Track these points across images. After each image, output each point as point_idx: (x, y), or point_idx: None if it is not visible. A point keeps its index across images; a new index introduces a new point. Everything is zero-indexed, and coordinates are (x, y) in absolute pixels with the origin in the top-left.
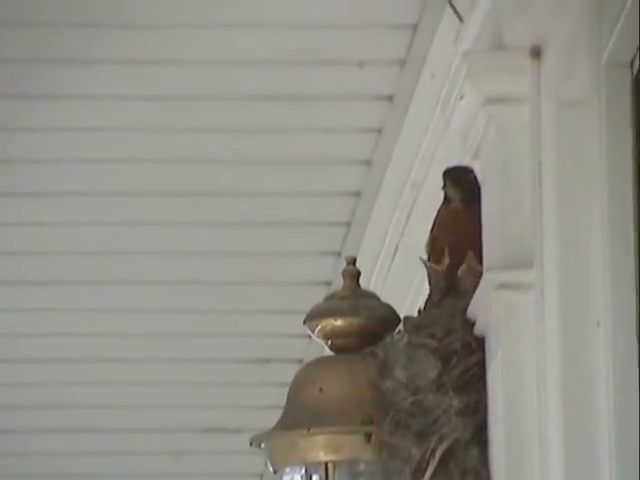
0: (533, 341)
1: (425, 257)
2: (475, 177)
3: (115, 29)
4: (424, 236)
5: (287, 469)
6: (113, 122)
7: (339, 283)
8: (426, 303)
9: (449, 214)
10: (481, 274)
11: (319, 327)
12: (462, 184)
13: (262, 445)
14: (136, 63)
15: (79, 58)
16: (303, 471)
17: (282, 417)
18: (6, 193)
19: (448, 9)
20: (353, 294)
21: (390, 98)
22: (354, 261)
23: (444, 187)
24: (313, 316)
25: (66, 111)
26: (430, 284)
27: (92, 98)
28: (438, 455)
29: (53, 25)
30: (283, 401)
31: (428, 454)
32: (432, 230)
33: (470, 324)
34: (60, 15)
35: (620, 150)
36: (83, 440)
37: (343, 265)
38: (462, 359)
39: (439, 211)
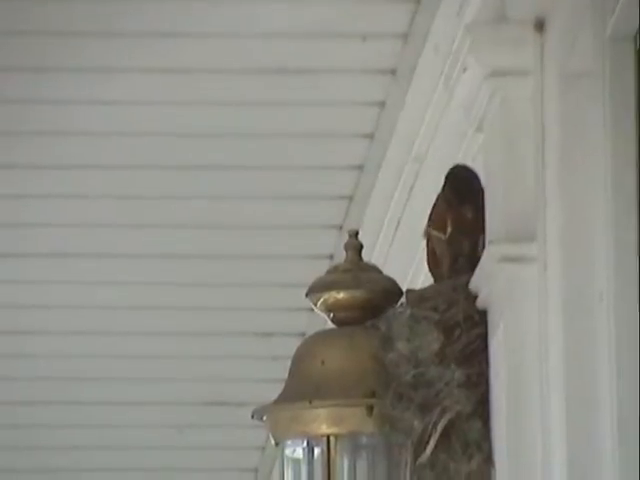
0: (535, 314)
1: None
2: (470, 177)
3: (129, 3)
4: (427, 209)
5: (289, 442)
6: (121, 95)
7: (341, 256)
8: (434, 272)
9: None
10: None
11: (321, 300)
12: (453, 180)
13: (264, 418)
14: (152, 36)
15: (96, 31)
16: (305, 444)
17: (284, 390)
18: (13, 165)
19: None
20: (355, 267)
21: (393, 71)
22: (356, 234)
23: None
24: (315, 289)
25: (79, 84)
26: (432, 254)
27: (106, 71)
28: (440, 428)
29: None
30: (285, 374)
31: (430, 427)
32: (434, 206)
33: (472, 297)
34: None
35: (623, 123)
36: (85, 413)
37: (345, 238)
38: (464, 332)
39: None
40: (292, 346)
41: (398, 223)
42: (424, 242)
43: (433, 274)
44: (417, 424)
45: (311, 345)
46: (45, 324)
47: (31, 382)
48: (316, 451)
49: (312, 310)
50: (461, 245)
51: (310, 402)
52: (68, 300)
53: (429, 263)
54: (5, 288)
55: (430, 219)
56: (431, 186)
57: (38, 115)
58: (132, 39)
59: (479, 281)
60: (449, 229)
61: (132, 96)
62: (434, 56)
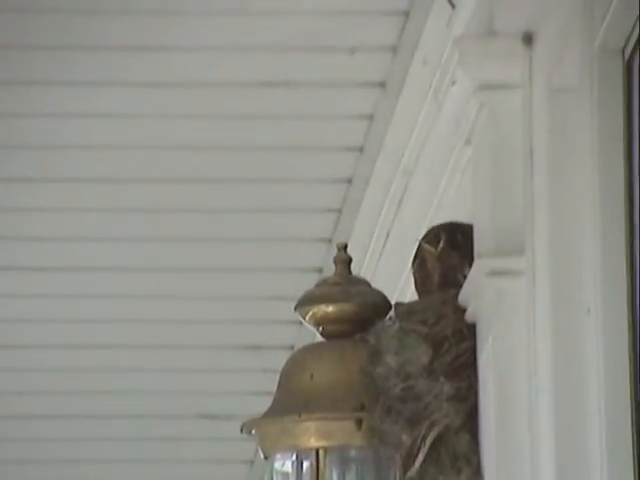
0: (524, 328)
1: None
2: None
3: (121, 17)
4: (415, 223)
5: (278, 455)
6: (115, 108)
7: (330, 270)
8: (423, 285)
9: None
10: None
11: (310, 313)
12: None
13: (253, 431)
14: (139, 50)
15: (88, 45)
16: (294, 457)
17: (273, 403)
18: (6, 178)
19: None
20: (344, 280)
21: (382, 84)
22: (345, 247)
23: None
24: (304, 302)
25: (72, 97)
26: (420, 267)
27: (99, 84)
28: (429, 441)
29: (60, 12)
30: (274, 387)
31: (419, 440)
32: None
33: (461, 310)
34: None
35: (612, 137)
36: (76, 426)
37: (334, 252)
38: (453, 345)
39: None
40: (281, 359)
41: (387, 236)
42: (413, 254)
43: (421, 287)
44: (406, 437)
45: (300, 358)
46: (34, 337)
47: (20, 396)
48: (305, 464)
49: (301, 323)
50: (452, 259)
51: (299, 415)
52: (57, 313)
53: (419, 276)
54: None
55: (424, 235)
56: (420, 199)
57: (26, 128)
58: (121, 52)
59: (468, 294)
60: (441, 244)
61: (123, 109)
62: (423, 69)
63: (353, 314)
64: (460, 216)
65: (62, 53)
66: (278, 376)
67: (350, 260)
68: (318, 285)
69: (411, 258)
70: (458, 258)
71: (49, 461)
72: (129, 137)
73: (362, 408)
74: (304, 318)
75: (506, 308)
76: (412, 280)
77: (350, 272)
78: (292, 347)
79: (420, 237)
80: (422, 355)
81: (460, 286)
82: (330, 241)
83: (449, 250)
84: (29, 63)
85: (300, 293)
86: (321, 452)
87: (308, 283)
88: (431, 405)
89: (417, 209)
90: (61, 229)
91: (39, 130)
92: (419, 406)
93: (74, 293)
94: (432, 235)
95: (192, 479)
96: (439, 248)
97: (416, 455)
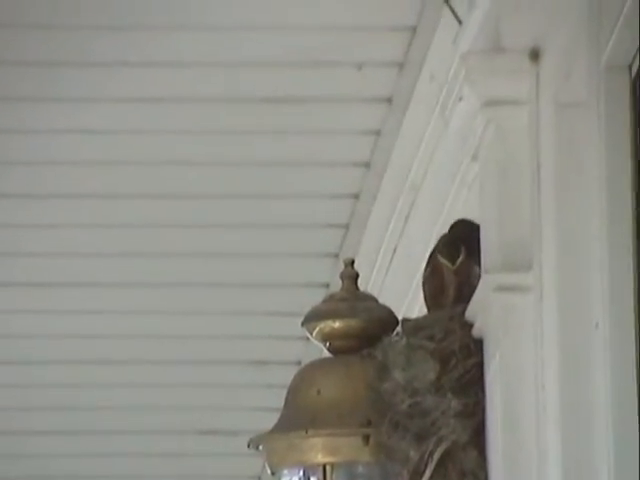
0: (531, 343)
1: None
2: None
3: (111, 32)
4: (422, 238)
5: (285, 471)
6: (110, 124)
7: (337, 285)
8: (434, 299)
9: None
10: None
11: (317, 329)
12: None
13: (260, 447)
14: (133, 65)
15: (76, 61)
16: (301, 473)
17: (280, 419)
18: (1, 195)
19: (446, 11)
20: (351, 296)
21: (389, 100)
22: (352, 263)
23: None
24: (311, 318)
25: (61, 113)
26: (432, 279)
27: (90, 101)
28: (436, 457)
29: (46, 28)
30: (281, 403)
31: (426, 456)
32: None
33: (469, 326)
34: (57, 18)
35: (619, 152)
36: (79, 442)
37: (341, 267)
38: (460, 361)
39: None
40: (287, 375)
41: (394, 252)
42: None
43: (431, 300)
44: (413, 453)
45: (307, 374)
46: (36, 353)
47: (24, 412)
48: None
49: (308, 339)
50: (470, 274)
51: (306, 431)
52: (59, 329)
53: (430, 288)
54: None
55: (436, 248)
56: (427, 214)
57: (16, 144)
58: (111, 68)
59: (475, 310)
60: (461, 258)
61: (113, 125)
62: (430, 85)
63: (360, 330)
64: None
65: (50, 69)
66: (284, 392)
67: (357, 276)
68: (325, 301)
69: (418, 274)
70: (478, 270)
71: (51, 477)
72: (128, 153)
73: (369, 424)
74: (311, 334)
75: (513, 323)
76: (419, 295)
77: (357, 288)
78: (299, 363)
79: (431, 246)
80: (429, 371)
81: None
82: (337, 256)
83: (468, 263)
84: (16, 79)
85: (307, 309)
86: (328, 468)
87: (315, 299)
88: (438, 421)
89: (424, 224)
90: (54, 245)
91: (28, 146)
92: (426, 422)
93: (74, 309)
94: (449, 246)
95: None
96: (458, 262)
97: (423, 471)
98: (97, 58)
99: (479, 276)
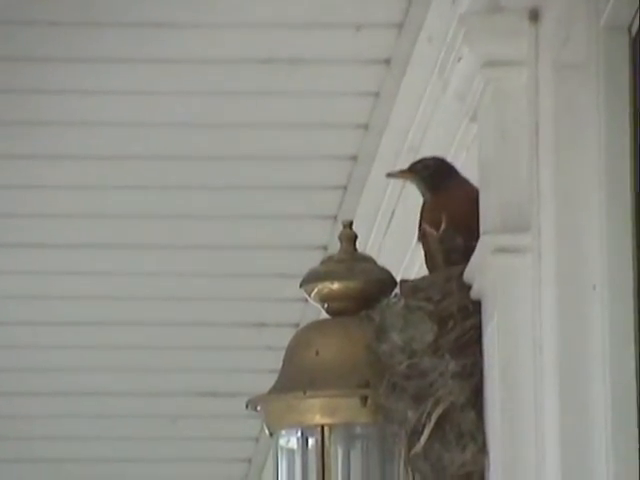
0: (529, 305)
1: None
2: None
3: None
4: (421, 200)
5: (283, 432)
6: (126, 86)
7: (335, 247)
8: (427, 264)
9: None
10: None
11: (315, 290)
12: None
13: (258, 408)
14: (140, 26)
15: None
16: (299, 434)
17: (278, 380)
18: (10, 155)
19: None
20: (349, 257)
21: (387, 62)
22: (350, 224)
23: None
24: (309, 280)
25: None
26: (423, 245)
27: (108, 61)
28: (434, 418)
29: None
30: (279, 365)
31: (424, 417)
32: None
33: (467, 287)
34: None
35: (618, 114)
36: (76, 403)
37: (339, 229)
38: (458, 322)
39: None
40: (286, 336)
41: (392, 213)
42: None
43: (427, 263)
44: (411, 414)
45: (305, 335)
46: (36, 314)
47: (16, 373)
48: (310, 441)
49: (306, 300)
50: (454, 241)
51: (304, 392)
52: (60, 290)
53: (425, 253)
54: None
55: (422, 215)
56: None
57: (18, 137)
58: (110, 62)
59: (473, 272)
60: (443, 226)
61: (115, 117)
62: (428, 46)
63: (358, 291)
64: None
65: (48, 63)
66: (283, 353)
67: (355, 237)
68: (323, 262)
69: (416, 235)
70: (461, 238)
71: (64, 438)
72: (134, 115)
73: (367, 385)
74: (309, 295)
75: (511, 285)
76: (418, 256)
77: (355, 249)
78: (297, 324)
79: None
80: (427, 332)
81: (466, 262)
82: (335, 218)
83: (451, 232)
84: (15, 72)
85: (305, 270)
86: (326, 429)
87: (313, 260)
88: (436, 382)
89: None
90: (56, 206)
91: (29, 138)
92: (424, 383)
93: (70, 270)
94: (432, 212)
95: (197, 456)
96: (440, 231)
97: (421, 432)
98: (94, 53)
99: (463, 243)
